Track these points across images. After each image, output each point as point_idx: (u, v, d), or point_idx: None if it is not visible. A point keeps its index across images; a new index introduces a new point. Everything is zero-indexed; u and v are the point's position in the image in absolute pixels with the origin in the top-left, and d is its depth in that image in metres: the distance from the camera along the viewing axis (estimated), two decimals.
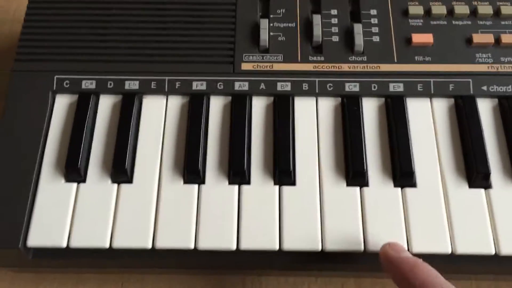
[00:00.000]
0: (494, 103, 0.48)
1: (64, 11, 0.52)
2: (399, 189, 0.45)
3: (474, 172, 0.44)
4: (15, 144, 0.46)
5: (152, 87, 0.49)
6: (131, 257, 0.44)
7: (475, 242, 0.42)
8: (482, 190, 0.44)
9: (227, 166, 0.46)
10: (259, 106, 0.49)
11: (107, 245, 0.43)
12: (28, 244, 0.43)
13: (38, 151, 0.46)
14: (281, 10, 0.52)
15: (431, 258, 0.42)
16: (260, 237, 0.43)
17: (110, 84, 0.49)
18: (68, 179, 0.45)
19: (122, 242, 0.43)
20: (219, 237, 0.43)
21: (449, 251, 0.42)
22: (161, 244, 0.43)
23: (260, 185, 0.45)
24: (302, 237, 0.43)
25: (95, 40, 0.50)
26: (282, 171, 0.45)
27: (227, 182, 0.45)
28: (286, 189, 0.45)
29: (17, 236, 0.42)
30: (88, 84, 0.49)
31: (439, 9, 0.51)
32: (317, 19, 0.51)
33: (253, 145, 0.47)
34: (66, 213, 0.44)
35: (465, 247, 0.42)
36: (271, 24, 0.51)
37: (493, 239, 0.42)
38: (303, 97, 0.49)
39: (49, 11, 0.52)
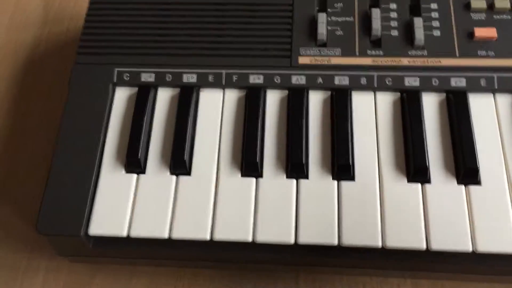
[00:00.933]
0: None
1: (125, 5, 0.53)
2: (463, 186, 0.43)
3: None
4: (78, 135, 0.47)
5: (210, 80, 0.49)
6: (189, 248, 0.45)
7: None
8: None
9: (284, 160, 0.46)
10: (316, 100, 0.48)
11: (166, 236, 0.43)
12: (89, 232, 0.43)
13: (99, 142, 0.47)
14: (339, 4, 0.52)
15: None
16: (318, 231, 0.42)
17: (169, 77, 0.49)
18: (128, 170, 0.46)
19: (181, 233, 0.43)
20: (276, 231, 0.43)
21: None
22: (219, 236, 0.43)
23: (319, 179, 0.45)
24: (361, 233, 0.42)
25: (155, 34, 0.51)
26: (341, 166, 0.44)
27: (285, 176, 0.45)
28: (344, 184, 0.44)
29: (79, 225, 0.43)
30: (147, 77, 0.49)
31: (502, 3, 0.49)
32: (376, 13, 0.50)
33: (311, 139, 0.47)
34: (127, 203, 0.44)
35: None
36: (329, 18, 0.51)
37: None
38: (361, 91, 0.48)
39: (110, 5, 0.53)
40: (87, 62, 0.50)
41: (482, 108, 0.47)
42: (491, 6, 0.50)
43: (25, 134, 0.58)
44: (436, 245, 0.41)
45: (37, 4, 0.68)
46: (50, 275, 0.50)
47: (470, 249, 0.41)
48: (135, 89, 0.50)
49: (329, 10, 0.51)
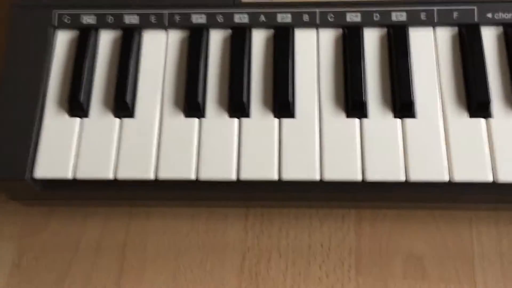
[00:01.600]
0: (499, 31, 0.47)
1: None
2: (399, 120, 0.45)
3: (474, 101, 0.44)
4: (19, 80, 0.47)
5: (152, 21, 0.48)
6: (137, 188, 0.46)
7: (473, 170, 0.42)
8: (482, 119, 0.44)
9: (227, 100, 0.46)
10: (259, 39, 0.48)
11: (111, 176, 0.44)
12: (35, 176, 0.44)
13: (41, 86, 0.47)
14: None
15: (430, 186, 0.43)
16: (260, 167, 0.44)
17: (110, 19, 0.49)
18: (72, 113, 0.46)
19: (126, 173, 0.44)
20: (220, 168, 0.44)
21: (447, 179, 0.42)
22: (164, 174, 0.44)
23: (260, 118, 0.45)
24: (301, 168, 0.44)
25: None
26: (281, 104, 0.45)
27: (227, 116, 0.46)
28: (285, 121, 0.45)
29: (24, 168, 0.44)
30: (88, 19, 0.49)
31: None
32: None
33: (253, 78, 0.47)
34: (71, 146, 0.45)
35: (462, 175, 0.42)
36: None
37: (492, 167, 0.42)
38: (304, 28, 0.48)
39: None
40: (26, 5, 0.49)
41: (421, 42, 0.47)
42: None
43: None
44: (371, 176, 0.43)
45: None
46: (4, 220, 0.51)
47: (404, 179, 0.43)
48: (77, 32, 0.49)
49: None
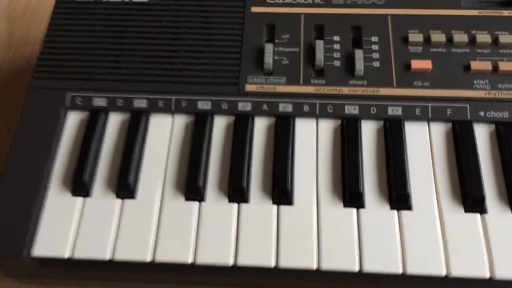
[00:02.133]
0: (491, 128, 0.49)
1: (79, 33, 0.54)
2: (395, 211, 0.45)
3: (469, 197, 0.45)
4: (28, 157, 0.48)
5: (160, 105, 0.51)
6: (132, 270, 0.46)
7: (470, 265, 0.43)
8: (478, 215, 0.45)
9: (227, 185, 0.47)
10: (261, 126, 0.50)
11: (108, 257, 0.44)
12: (32, 254, 0.44)
13: (48, 164, 0.48)
14: (286, 36, 0.54)
15: (426, 281, 0.43)
16: (257, 253, 0.44)
17: (120, 102, 0.51)
18: (75, 193, 0.47)
19: (123, 254, 0.44)
20: (217, 252, 0.44)
21: (443, 274, 0.42)
22: (161, 257, 0.44)
23: (259, 204, 0.46)
24: (299, 256, 0.44)
25: (108, 60, 0.53)
26: (280, 191, 0.46)
27: (227, 200, 0.47)
28: (284, 208, 0.46)
29: (22, 246, 0.44)
30: (99, 101, 0.51)
31: (438, 37, 0.52)
32: (319, 44, 0.52)
33: (254, 164, 0.48)
34: (71, 226, 0.45)
35: (459, 270, 0.42)
36: (276, 49, 0.53)
37: (489, 263, 0.43)
38: (304, 118, 0.50)
39: (66, 33, 0.55)
40: (42, 87, 0.52)
41: (416, 135, 0.49)
42: (427, 40, 0.53)
43: None
44: (368, 267, 0.43)
45: (2, 27, 0.70)
46: None
47: (400, 272, 0.43)
48: (87, 114, 0.51)
49: (276, 40, 0.54)
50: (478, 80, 0.50)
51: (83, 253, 0.44)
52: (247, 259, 0.44)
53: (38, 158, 0.48)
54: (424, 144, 0.48)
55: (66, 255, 0.44)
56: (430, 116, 0.49)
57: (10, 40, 0.69)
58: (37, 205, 0.46)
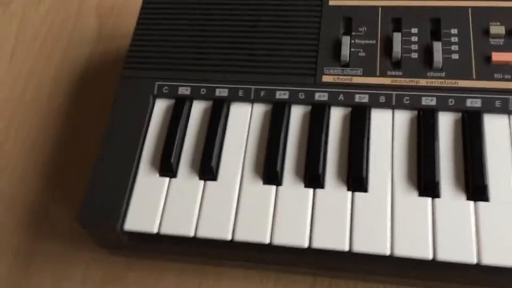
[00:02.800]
0: None
1: (166, 27, 0.58)
2: (472, 202, 0.45)
3: None
4: (120, 141, 0.52)
5: (240, 94, 0.54)
6: (212, 247, 0.49)
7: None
8: None
9: (304, 170, 0.49)
10: (337, 116, 0.52)
11: (192, 234, 0.47)
12: (124, 228, 0.48)
13: (138, 147, 0.52)
14: (363, 28, 0.55)
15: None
16: (332, 237, 0.46)
17: (203, 91, 0.54)
18: (162, 173, 0.51)
19: (206, 232, 0.47)
20: (292, 234, 0.46)
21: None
22: (240, 236, 0.47)
23: (334, 190, 0.48)
24: (372, 241, 0.45)
25: (192, 52, 0.56)
26: (355, 178, 0.47)
27: (303, 186, 0.49)
28: (358, 195, 0.47)
29: (116, 220, 0.48)
30: (184, 90, 0.55)
31: None
32: (397, 36, 0.53)
33: (329, 152, 0.50)
34: (159, 204, 0.49)
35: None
36: (353, 41, 0.54)
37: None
38: (380, 109, 0.51)
39: (154, 27, 0.59)
40: (132, 76, 0.56)
41: (496, 128, 0.48)
42: (510, 32, 0.52)
43: (79, 141, 0.65)
44: (442, 255, 0.43)
45: (93, 23, 0.75)
46: (91, 266, 0.56)
47: (475, 261, 0.43)
48: (173, 101, 0.55)
49: (353, 33, 0.55)
50: None
51: (169, 229, 0.48)
52: (321, 242, 0.46)
53: (129, 141, 0.52)
54: (504, 135, 0.48)
55: (154, 230, 0.48)
56: (510, 108, 0.48)
57: (99, 35, 0.75)
58: (129, 184, 0.50)
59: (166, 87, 0.55)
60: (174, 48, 0.57)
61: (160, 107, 0.55)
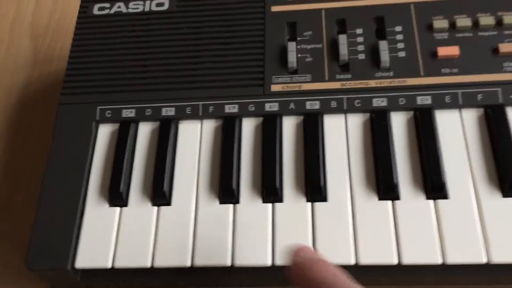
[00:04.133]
0: None
1: (103, 46, 0.56)
2: (431, 201, 0.45)
3: (507, 181, 0.44)
4: (64, 173, 0.49)
5: (187, 112, 0.51)
6: (173, 275, 0.46)
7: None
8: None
9: (261, 185, 0.47)
10: (290, 125, 0.50)
11: (149, 265, 0.45)
12: (76, 266, 0.45)
13: (83, 178, 0.49)
14: (308, 33, 0.54)
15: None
16: (284, 254, 0.44)
17: (148, 112, 0.52)
18: (112, 203, 0.48)
19: (163, 261, 0.45)
20: (254, 254, 0.44)
21: (485, 261, 0.42)
22: (200, 262, 0.45)
23: (293, 203, 0.46)
24: (337, 252, 0.44)
25: (133, 71, 0.54)
26: (313, 188, 0.46)
27: (261, 201, 0.47)
28: (318, 205, 0.46)
29: (66, 259, 0.45)
30: (128, 113, 0.52)
31: (464, 21, 0.51)
32: (343, 38, 0.52)
33: (285, 163, 0.48)
34: (111, 236, 0.46)
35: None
36: (299, 46, 0.53)
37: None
38: (332, 114, 0.50)
39: (90, 47, 0.56)
40: (71, 102, 0.53)
41: (448, 123, 0.48)
42: (453, 25, 0.52)
43: (20, 172, 0.61)
44: (407, 259, 0.43)
45: (27, 46, 0.71)
46: None
47: (441, 261, 0.42)
48: (117, 125, 0.52)
49: (298, 38, 0.54)
50: (508, 63, 0.49)
51: (124, 262, 0.45)
52: (280, 260, 0.44)
53: (74, 172, 0.49)
54: (457, 131, 0.48)
55: (108, 265, 0.45)
56: (460, 102, 0.48)
57: (35, 58, 0.71)
58: (77, 219, 0.47)
59: (108, 111, 0.52)
60: (114, 68, 0.54)
61: (104, 132, 0.52)
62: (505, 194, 0.44)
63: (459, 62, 0.50)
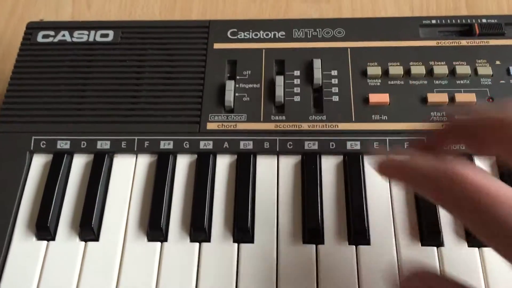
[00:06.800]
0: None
1: (44, 75, 0.55)
2: (354, 246, 0.46)
3: (425, 230, 0.45)
4: None
5: (123, 146, 0.51)
6: None
7: None
8: (434, 248, 0.45)
9: (189, 224, 0.48)
10: (223, 164, 0.51)
11: None
12: None
13: (13, 210, 0.49)
14: (247, 72, 0.55)
15: None
16: None
17: (84, 144, 0.52)
18: (39, 237, 0.48)
19: None
20: None
21: None
22: None
23: (220, 243, 0.47)
24: None
25: (71, 102, 0.54)
26: (240, 229, 0.47)
27: (188, 240, 0.47)
28: (244, 246, 0.47)
29: None
30: (63, 144, 0.52)
31: (396, 69, 0.53)
32: (280, 80, 0.53)
33: (217, 202, 0.49)
34: (35, 270, 0.46)
35: None
36: (237, 85, 0.54)
37: None
38: (265, 155, 0.51)
39: (31, 75, 0.56)
40: (7, 131, 0.53)
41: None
42: (386, 72, 0.53)
43: None
44: None
45: None
46: None
47: None
48: (51, 156, 0.52)
49: (238, 77, 0.54)
50: (435, 112, 0.51)
51: None
52: None
53: (3, 203, 0.49)
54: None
55: None
56: (388, 149, 0.50)
57: None
58: (2, 251, 0.47)
59: (43, 142, 0.52)
60: (52, 98, 0.54)
61: (38, 163, 0.52)
62: (424, 243, 0.46)
63: (388, 109, 0.51)
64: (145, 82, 0.55)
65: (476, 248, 0.45)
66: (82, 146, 0.52)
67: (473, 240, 0.45)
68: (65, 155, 0.51)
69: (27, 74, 0.56)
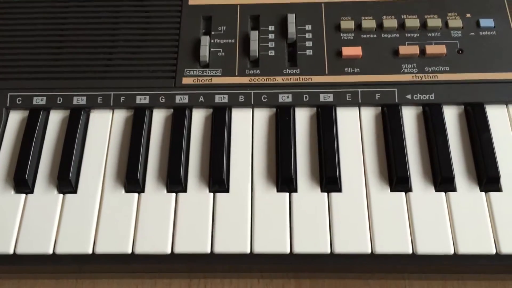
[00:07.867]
0: (418, 110, 0.51)
1: (19, 32, 0.55)
2: (325, 194, 0.47)
3: (394, 176, 0.47)
4: None
5: (99, 101, 0.52)
6: (78, 262, 0.47)
7: (395, 241, 0.45)
8: (403, 194, 0.47)
9: (166, 175, 0.49)
10: (199, 118, 0.52)
11: (50, 251, 0.46)
12: None
13: None
14: (222, 27, 0.55)
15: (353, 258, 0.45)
16: (194, 240, 0.46)
17: (60, 100, 0.52)
18: (17, 190, 0.48)
19: (65, 248, 0.46)
20: (155, 241, 0.46)
21: (369, 251, 0.45)
22: (102, 249, 0.46)
23: (196, 193, 0.48)
24: (232, 240, 0.46)
25: (46, 59, 0.54)
26: (216, 180, 0.48)
27: (165, 191, 0.48)
28: (219, 196, 0.48)
29: None
30: (39, 100, 0.52)
31: (369, 23, 0.54)
32: (254, 35, 0.54)
33: (191, 154, 0.50)
34: (14, 222, 0.47)
35: (386, 247, 0.45)
36: (212, 41, 0.54)
37: (411, 239, 0.45)
38: (240, 108, 0.52)
39: (5, 33, 0.55)
40: None
41: (347, 120, 0.51)
42: (359, 26, 0.54)
43: None
44: (298, 249, 0.45)
45: None
46: None
47: (329, 251, 0.45)
48: (28, 112, 0.52)
49: (213, 32, 0.55)
50: (406, 64, 0.52)
51: (26, 249, 0.46)
52: (184, 247, 0.46)
53: None
54: (355, 128, 0.50)
55: (10, 251, 0.46)
56: (360, 101, 0.51)
57: None
58: None
59: (19, 98, 0.52)
60: (27, 55, 0.54)
61: (14, 119, 0.52)
62: (393, 189, 0.47)
63: (361, 62, 0.52)
64: (121, 38, 0.55)
65: (443, 193, 0.47)
66: (58, 102, 0.52)
67: (440, 185, 0.47)
68: (41, 111, 0.52)
69: (2, 32, 0.56)
